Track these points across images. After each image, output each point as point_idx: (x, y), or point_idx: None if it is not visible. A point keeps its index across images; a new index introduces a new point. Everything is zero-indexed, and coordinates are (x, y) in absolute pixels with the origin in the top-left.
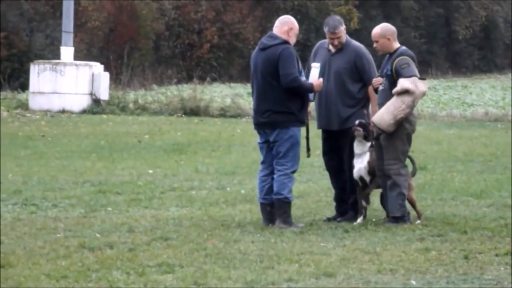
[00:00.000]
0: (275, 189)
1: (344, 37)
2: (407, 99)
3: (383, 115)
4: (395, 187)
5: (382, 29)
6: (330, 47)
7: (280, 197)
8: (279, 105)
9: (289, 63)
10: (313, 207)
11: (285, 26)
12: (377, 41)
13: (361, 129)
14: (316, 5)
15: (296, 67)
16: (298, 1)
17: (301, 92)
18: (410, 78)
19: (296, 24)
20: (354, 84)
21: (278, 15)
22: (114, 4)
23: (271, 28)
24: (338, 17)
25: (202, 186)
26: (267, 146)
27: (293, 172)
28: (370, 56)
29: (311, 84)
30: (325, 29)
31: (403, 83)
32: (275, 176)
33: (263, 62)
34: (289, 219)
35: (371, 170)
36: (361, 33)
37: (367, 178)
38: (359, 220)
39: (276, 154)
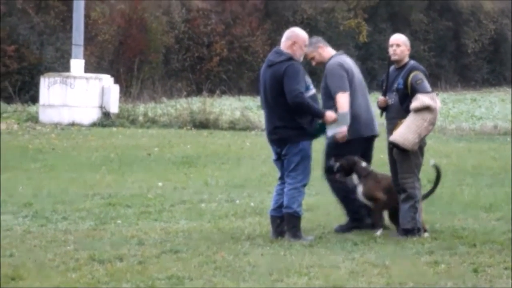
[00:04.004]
0: (285, 202)
1: (318, 56)
2: (428, 116)
3: (406, 134)
4: (409, 200)
5: (405, 38)
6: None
7: (290, 211)
8: (288, 121)
9: (293, 80)
10: (322, 220)
11: (289, 41)
12: (399, 45)
13: (342, 172)
14: (325, 19)
15: (301, 83)
16: (307, 15)
17: (307, 110)
18: (428, 94)
19: (300, 37)
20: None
21: (288, 28)
22: (124, 17)
23: (280, 41)
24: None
25: (211, 199)
26: (282, 161)
27: (304, 185)
28: (333, 72)
29: (322, 112)
30: None
31: (423, 99)
32: (285, 189)
33: (270, 79)
34: (298, 233)
35: (369, 197)
36: (370, 46)
37: (370, 203)
38: (378, 233)
39: (287, 167)
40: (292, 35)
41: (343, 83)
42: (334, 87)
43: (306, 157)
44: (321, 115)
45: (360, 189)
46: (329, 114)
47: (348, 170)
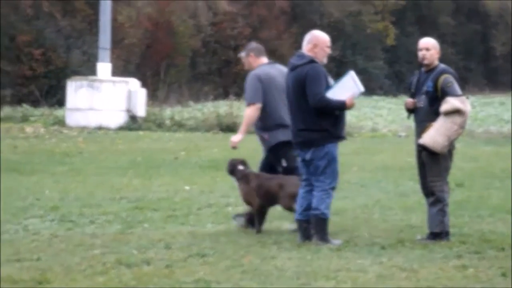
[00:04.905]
0: (313, 204)
1: (247, 64)
2: (458, 119)
3: (435, 137)
4: (438, 203)
5: (434, 41)
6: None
7: (317, 212)
8: (312, 124)
9: (315, 83)
10: (349, 224)
11: (309, 44)
12: (429, 49)
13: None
14: (352, 22)
15: (322, 86)
16: (334, 18)
17: (330, 109)
18: (459, 97)
19: (321, 39)
20: None
21: None
22: (151, 20)
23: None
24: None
25: (238, 202)
26: (306, 164)
27: (332, 188)
28: (249, 82)
29: (343, 102)
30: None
31: (453, 102)
32: (314, 192)
33: (292, 82)
34: (326, 236)
35: (245, 201)
36: (398, 49)
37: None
38: (256, 229)
39: (314, 171)
40: (312, 38)
41: (255, 95)
42: (247, 98)
43: (332, 160)
44: (343, 106)
45: (238, 192)
46: (349, 100)
47: (231, 172)
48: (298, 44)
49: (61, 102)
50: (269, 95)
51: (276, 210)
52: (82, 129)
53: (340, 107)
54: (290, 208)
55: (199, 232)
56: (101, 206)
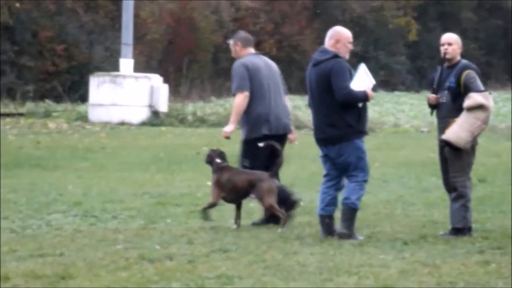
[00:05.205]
0: (344, 194)
1: (234, 52)
2: (481, 115)
3: (459, 133)
4: (460, 199)
5: (457, 37)
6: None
7: (348, 201)
8: (336, 120)
9: (341, 77)
10: (372, 220)
11: (332, 40)
12: (451, 44)
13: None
14: (374, 17)
15: (348, 80)
16: (356, 13)
17: (356, 102)
18: (482, 93)
19: (343, 34)
20: None
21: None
22: (173, 16)
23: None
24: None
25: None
26: (329, 160)
27: (365, 181)
28: (235, 71)
29: (365, 93)
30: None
31: (476, 98)
32: (346, 183)
33: (316, 77)
34: (352, 227)
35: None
36: (420, 44)
37: None
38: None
39: (345, 168)
40: (335, 33)
41: (242, 83)
42: (234, 87)
43: (362, 154)
44: (366, 97)
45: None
46: (368, 91)
47: (209, 163)
48: (320, 40)
49: (83, 98)
50: (255, 85)
51: (298, 206)
52: (105, 124)
53: (364, 99)
54: (270, 207)
55: (221, 227)
56: (124, 201)
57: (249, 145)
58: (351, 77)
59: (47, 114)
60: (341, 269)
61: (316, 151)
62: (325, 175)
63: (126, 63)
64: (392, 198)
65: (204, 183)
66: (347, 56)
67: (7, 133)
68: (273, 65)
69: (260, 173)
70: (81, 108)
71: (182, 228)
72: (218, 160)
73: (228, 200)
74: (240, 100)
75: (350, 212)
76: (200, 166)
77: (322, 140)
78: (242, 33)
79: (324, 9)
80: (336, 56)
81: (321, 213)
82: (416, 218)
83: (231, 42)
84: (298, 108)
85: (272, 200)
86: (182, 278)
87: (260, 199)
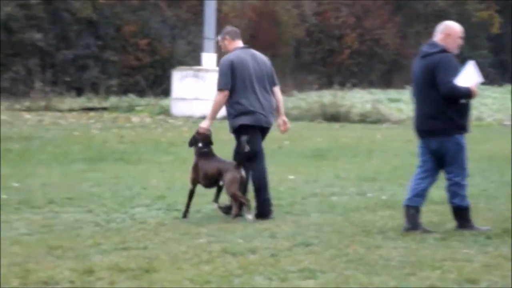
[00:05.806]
0: (448, 196)
1: (223, 46)
2: None
3: None
4: None
5: None
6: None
7: (453, 205)
8: (438, 112)
9: (447, 71)
10: None
11: (442, 34)
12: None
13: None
14: (456, 10)
15: (453, 75)
16: (438, 7)
17: (459, 97)
18: None
19: (453, 29)
20: None
21: (418, 21)
22: (255, 10)
23: (411, 33)
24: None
25: (343, 192)
26: (426, 152)
27: (463, 178)
28: (220, 68)
29: (469, 89)
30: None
31: None
32: (446, 184)
33: (422, 69)
34: (467, 223)
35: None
36: (503, 38)
37: None
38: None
39: (442, 161)
40: (445, 28)
41: (223, 82)
42: (218, 83)
43: (462, 150)
44: (470, 93)
45: None
46: (473, 88)
47: (191, 146)
48: (401, 33)
49: (166, 92)
50: (240, 79)
51: (379, 199)
52: (187, 118)
53: (468, 95)
54: (232, 195)
55: (304, 221)
56: (206, 195)
57: (237, 134)
58: (458, 72)
59: (131, 108)
60: (424, 263)
61: (398, 145)
62: (420, 166)
63: (209, 57)
64: (475, 192)
65: (286, 177)
66: (456, 51)
67: (91, 127)
68: (262, 58)
69: (229, 162)
70: (164, 102)
71: (265, 222)
72: (200, 145)
73: (203, 185)
74: (219, 98)
75: (458, 212)
76: (282, 160)
77: (423, 131)
78: (229, 27)
79: (406, 2)
80: (444, 50)
81: (407, 203)
82: (499, 212)
83: (219, 38)
84: (380, 102)
85: (234, 188)
86: (265, 272)
87: (226, 187)
